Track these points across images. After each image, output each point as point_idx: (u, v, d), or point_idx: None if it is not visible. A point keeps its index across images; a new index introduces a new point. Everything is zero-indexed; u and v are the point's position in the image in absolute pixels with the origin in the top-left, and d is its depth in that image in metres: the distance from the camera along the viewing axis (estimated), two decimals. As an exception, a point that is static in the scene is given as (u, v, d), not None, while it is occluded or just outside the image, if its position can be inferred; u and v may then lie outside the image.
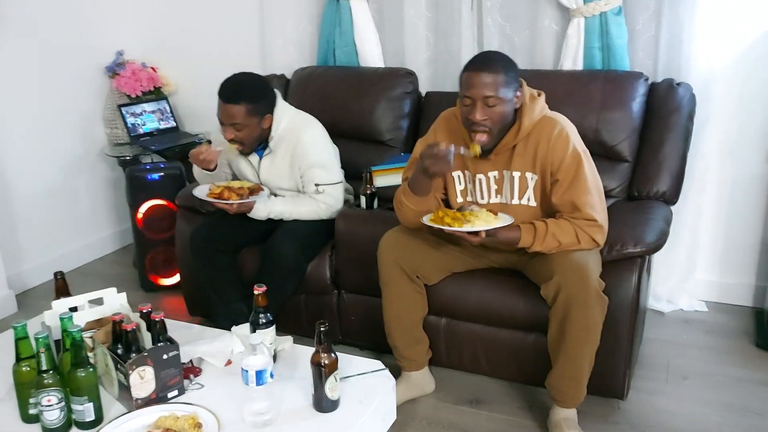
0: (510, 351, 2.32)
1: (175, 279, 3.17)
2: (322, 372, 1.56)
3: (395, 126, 2.97)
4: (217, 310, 2.56)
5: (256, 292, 1.73)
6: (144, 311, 1.67)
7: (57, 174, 3.43)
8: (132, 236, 3.27)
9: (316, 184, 2.54)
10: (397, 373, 2.32)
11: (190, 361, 1.79)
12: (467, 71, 1.99)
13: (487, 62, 1.99)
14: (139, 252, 3.22)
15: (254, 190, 2.52)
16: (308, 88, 3.11)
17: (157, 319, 1.62)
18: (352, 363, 1.80)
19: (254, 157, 2.60)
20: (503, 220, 2.00)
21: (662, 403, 2.30)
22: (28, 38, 3.20)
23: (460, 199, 2.20)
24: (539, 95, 2.10)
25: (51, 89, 3.33)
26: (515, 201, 2.12)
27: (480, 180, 2.15)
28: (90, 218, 3.64)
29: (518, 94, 2.02)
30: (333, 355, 1.58)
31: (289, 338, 1.91)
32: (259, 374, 1.51)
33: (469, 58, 2.10)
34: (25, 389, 1.53)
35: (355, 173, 2.77)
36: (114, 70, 3.54)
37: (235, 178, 2.73)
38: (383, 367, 1.80)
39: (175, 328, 1.94)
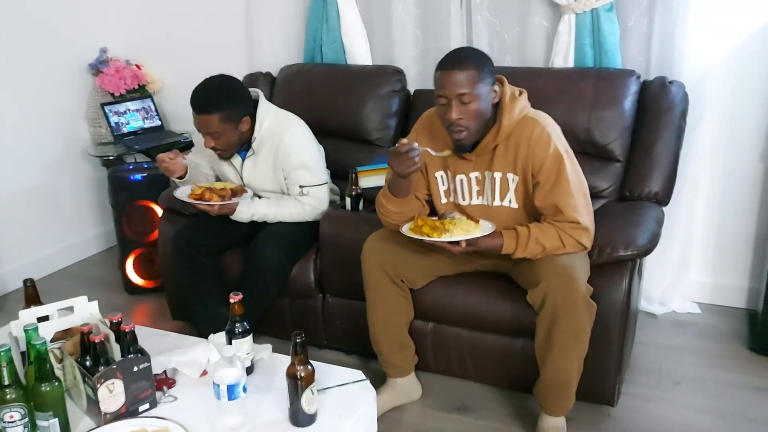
0: (497, 356, 2.27)
1: (159, 281, 3.11)
2: (298, 385, 1.50)
3: (383, 125, 2.91)
4: (198, 315, 2.50)
5: (231, 300, 1.67)
6: (114, 321, 1.60)
7: (38, 174, 3.36)
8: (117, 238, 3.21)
9: (301, 186, 2.48)
10: (382, 379, 2.28)
11: (164, 371, 1.73)
12: (439, 70, 1.93)
13: (458, 60, 1.92)
14: (122, 254, 3.16)
15: (237, 192, 2.46)
16: (294, 85, 3.05)
17: (127, 330, 1.56)
18: (331, 373, 1.75)
19: (236, 159, 2.53)
20: (483, 229, 1.96)
21: (654, 409, 2.25)
22: (7, 34, 3.12)
23: (443, 200, 2.15)
24: (521, 94, 2.03)
25: (32, 87, 3.26)
26: (497, 203, 2.07)
27: (461, 181, 2.10)
28: (73, 219, 3.57)
29: (495, 89, 1.96)
30: (309, 367, 1.52)
31: (268, 347, 1.85)
32: (231, 389, 1.45)
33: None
34: (-12, 404, 1.46)
35: (342, 173, 2.71)
36: (97, 67, 3.47)
37: (218, 179, 2.67)
38: (364, 377, 1.74)
39: (150, 336, 1.89)
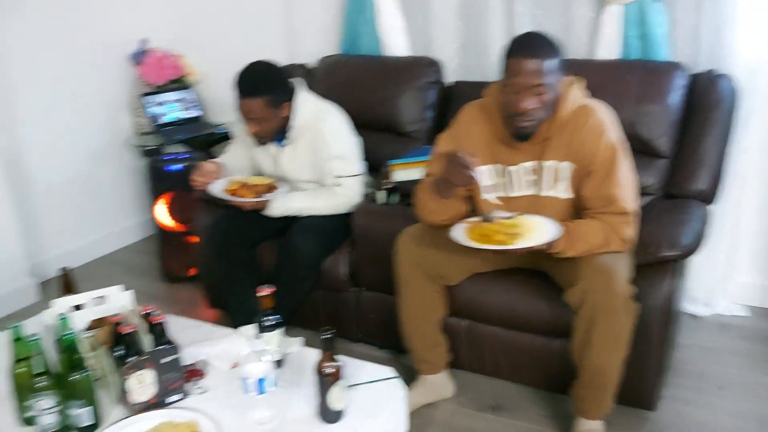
0: (533, 356, 2.22)
1: (196, 271, 3.14)
2: (326, 381, 1.48)
3: (419, 117, 2.86)
4: (232, 306, 2.51)
5: (262, 293, 1.66)
6: (144, 312, 1.61)
7: (82, 163, 3.43)
8: (155, 226, 3.25)
9: (336, 176, 2.46)
10: (415, 374, 2.25)
11: (196, 362, 1.73)
12: (513, 57, 1.86)
13: (535, 47, 1.85)
14: (161, 243, 3.20)
15: (271, 188, 2.46)
16: (332, 77, 3.03)
17: (156, 321, 1.56)
18: (362, 369, 1.72)
19: (272, 148, 2.53)
20: (548, 227, 1.88)
21: (695, 414, 2.17)
22: (52, 26, 3.18)
23: (488, 195, 2.07)
24: (576, 82, 1.98)
25: (77, 78, 3.32)
26: (548, 192, 2.01)
27: (514, 172, 2.04)
28: (115, 207, 3.63)
29: (561, 79, 1.91)
30: (338, 363, 1.50)
31: (299, 340, 1.84)
32: (260, 383, 1.44)
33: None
34: (23, 391, 1.49)
35: (376, 166, 2.69)
36: (138, 58, 3.51)
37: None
38: (395, 375, 1.71)
39: (183, 327, 1.89)
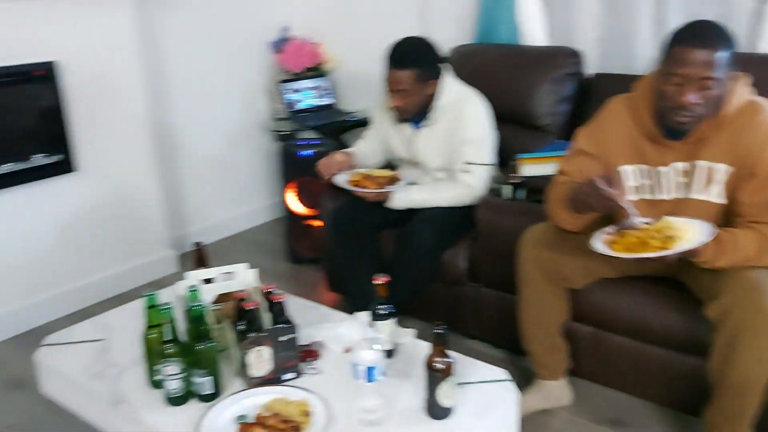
0: (662, 372, 2.05)
1: (320, 253, 3.22)
2: (435, 376, 1.45)
3: (554, 110, 2.74)
4: (351, 290, 2.54)
5: (377, 282, 1.66)
6: (266, 290, 1.66)
7: (221, 144, 3.62)
8: (284, 209, 3.37)
9: (466, 162, 2.42)
10: (531, 378, 2.16)
11: (311, 343, 1.76)
12: (681, 44, 1.71)
13: (707, 36, 1.70)
14: (288, 225, 3.32)
15: (393, 180, 2.48)
16: (465, 66, 2.95)
17: (276, 300, 1.60)
18: (474, 368, 1.67)
19: (407, 129, 2.53)
20: (698, 227, 1.72)
21: None
22: (203, 16, 3.37)
23: (631, 197, 1.91)
24: (742, 77, 1.80)
25: (220, 63, 3.50)
26: (698, 195, 1.84)
27: (664, 173, 1.88)
28: (248, 189, 3.82)
29: (729, 74, 1.74)
30: (449, 359, 1.46)
31: (411, 331, 1.82)
32: (370, 371, 1.44)
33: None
34: (153, 356, 1.59)
35: (504, 159, 2.60)
36: (279, 46, 3.64)
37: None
38: (508, 378, 1.65)
39: (302, 308, 1.94)
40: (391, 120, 2.58)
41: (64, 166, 2.78)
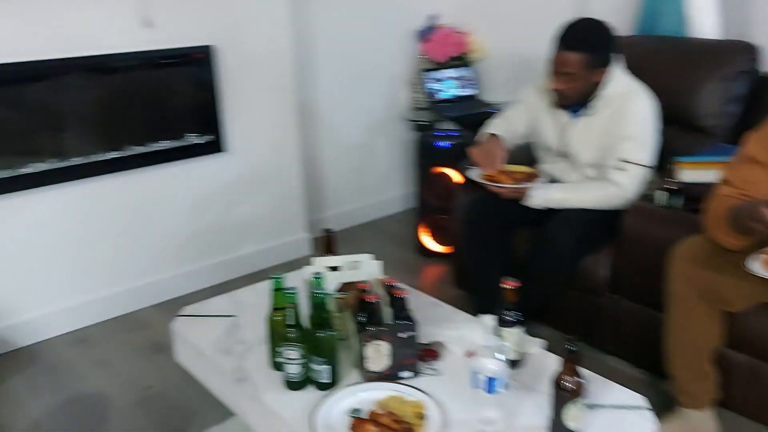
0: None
1: (451, 248, 3.15)
2: (563, 396, 1.33)
3: (721, 111, 2.47)
4: (477, 289, 2.45)
5: (506, 286, 1.56)
6: (388, 284, 1.62)
7: (362, 131, 3.65)
8: (416, 200, 3.33)
9: (621, 159, 2.23)
10: (672, 405, 1.96)
11: (432, 343, 1.70)
12: None
13: None
14: (420, 216, 3.27)
15: (531, 176, 2.33)
16: (626, 58, 2.74)
17: (398, 296, 1.56)
18: (608, 390, 1.53)
19: (563, 117, 2.38)
20: None
21: None
22: (350, 3, 3.39)
23: None
24: None
25: (366, 50, 3.52)
26: None
27: None
28: (383, 178, 3.82)
29: None
30: (580, 379, 1.33)
31: (540, 342, 1.71)
32: (490, 381, 1.35)
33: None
34: (276, 338, 1.60)
35: (662, 161, 2.37)
36: (425, 34, 3.59)
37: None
38: (646, 404, 1.48)
39: (424, 304, 1.89)
40: (546, 104, 2.42)
41: (214, 146, 2.93)
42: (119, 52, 2.59)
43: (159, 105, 2.81)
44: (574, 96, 2.29)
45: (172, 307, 2.63)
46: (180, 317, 1.95)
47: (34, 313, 2.61)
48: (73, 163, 2.60)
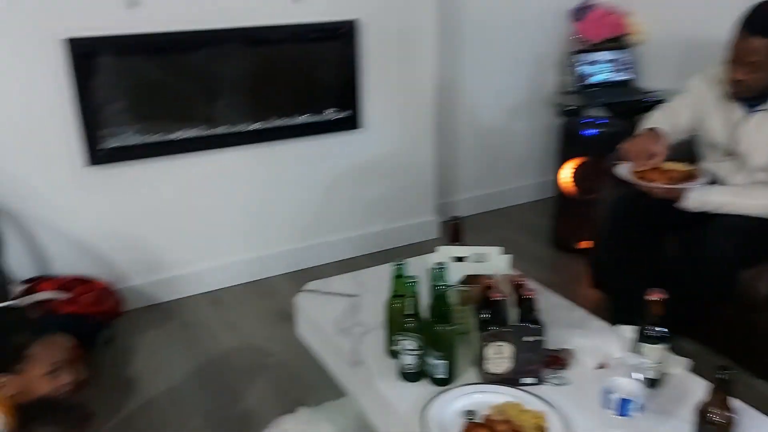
0: None
1: (590, 245, 2.94)
2: (709, 430, 1.16)
3: None
4: (617, 295, 2.26)
5: (652, 297, 1.39)
6: (516, 283, 1.50)
7: (501, 114, 3.51)
8: (555, 189, 3.15)
9: None
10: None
11: (560, 349, 1.57)
12: None
13: None
14: (557, 207, 3.09)
15: (690, 176, 2.08)
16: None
17: (526, 296, 1.44)
18: (763, 426, 1.32)
19: (736, 112, 2.11)
20: None
21: None
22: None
23: None
24: None
25: (513, 30, 3.36)
26: None
27: None
28: (520, 164, 3.67)
29: None
30: (731, 414, 1.16)
31: (685, 361, 1.52)
32: (624, 403, 1.21)
33: None
34: (393, 326, 1.55)
35: None
36: (580, 14, 3.35)
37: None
38: (811, 452, 1.27)
39: (555, 306, 1.76)
40: (716, 95, 2.16)
41: (351, 123, 2.92)
42: (271, 24, 2.64)
43: (303, 79, 2.85)
44: (756, 88, 2.01)
45: (299, 277, 2.67)
46: (303, 292, 1.96)
47: (176, 271, 2.77)
48: (219, 132, 2.70)
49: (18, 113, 2.31)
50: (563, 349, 1.58)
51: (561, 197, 3.06)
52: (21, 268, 2.43)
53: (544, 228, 3.25)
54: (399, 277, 1.54)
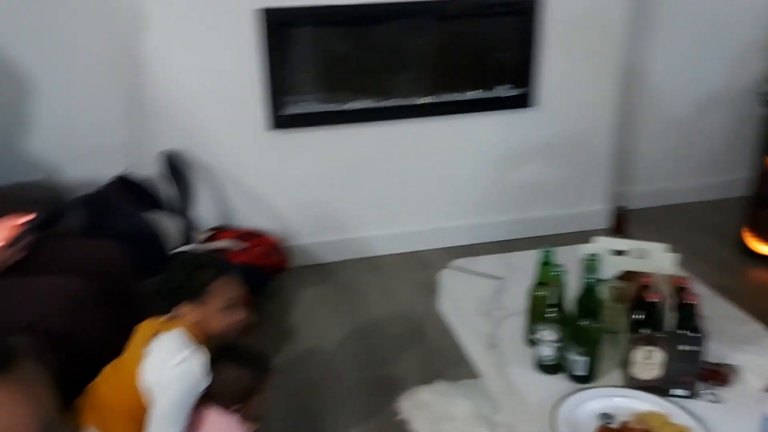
0: None
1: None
2: None
3: None
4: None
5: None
6: (678, 285, 1.37)
7: (693, 104, 3.22)
8: (748, 188, 2.82)
9: None
10: None
11: (720, 364, 1.42)
12: None
13: None
14: (750, 208, 2.76)
15: None
16: None
17: (688, 302, 1.31)
18: None
19: None
20: None
21: None
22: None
23: None
24: None
25: (714, 11, 3.05)
26: None
27: None
28: (710, 158, 3.34)
29: None
30: None
31: None
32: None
33: None
34: (535, 314, 1.50)
35: None
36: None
37: None
38: None
39: (723, 316, 1.59)
40: None
41: (524, 101, 2.84)
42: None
43: (478, 54, 2.81)
44: None
45: (456, 253, 2.67)
46: (448, 270, 1.96)
47: (341, 235, 2.90)
48: (390, 104, 2.76)
49: (213, 78, 2.53)
50: (726, 365, 1.43)
51: (758, 197, 2.72)
52: (207, 216, 2.70)
53: (730, 229, 2.93)
54: (546, 264, 1.48)
